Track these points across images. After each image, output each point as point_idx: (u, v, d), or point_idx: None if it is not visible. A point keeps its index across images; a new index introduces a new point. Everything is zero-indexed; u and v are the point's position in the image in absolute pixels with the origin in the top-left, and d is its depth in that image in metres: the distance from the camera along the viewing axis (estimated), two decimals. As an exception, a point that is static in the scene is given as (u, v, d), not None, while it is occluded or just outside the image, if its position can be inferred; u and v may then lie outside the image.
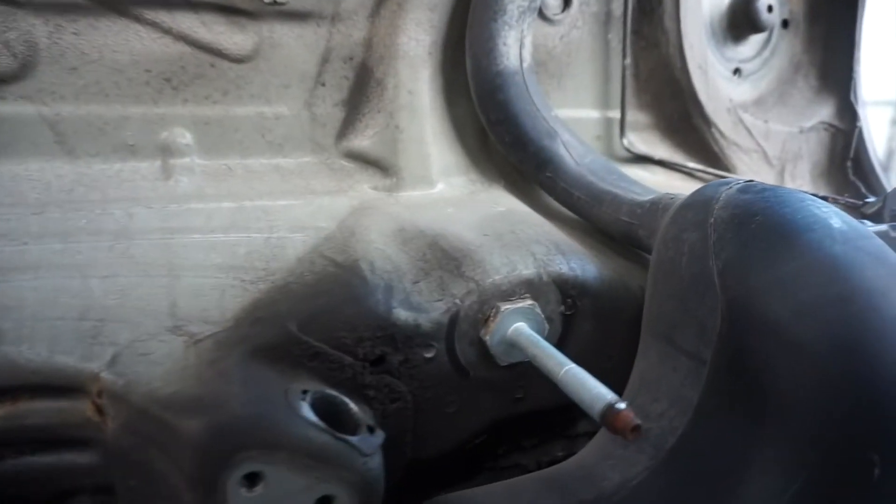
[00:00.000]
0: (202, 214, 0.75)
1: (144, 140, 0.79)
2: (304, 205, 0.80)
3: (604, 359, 0.78)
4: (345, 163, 0.88)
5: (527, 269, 0.72)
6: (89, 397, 0.59)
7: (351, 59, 0.87)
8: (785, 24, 1.19)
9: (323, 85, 0.86)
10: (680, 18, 0.99)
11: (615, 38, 1.03)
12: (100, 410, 0.59)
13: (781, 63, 1.20)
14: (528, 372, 0.71)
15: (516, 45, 0.88)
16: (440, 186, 0.89)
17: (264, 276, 0.69)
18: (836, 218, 0.62)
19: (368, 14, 0.86)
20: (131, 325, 0.62)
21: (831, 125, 1.17)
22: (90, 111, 0.76)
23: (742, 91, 1.16)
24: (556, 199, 0.92)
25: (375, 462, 0.59)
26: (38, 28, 0.73)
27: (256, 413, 0.54)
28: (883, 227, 0.82)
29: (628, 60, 1.01)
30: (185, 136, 0.80)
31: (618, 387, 0.72)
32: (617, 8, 1.01)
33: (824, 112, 1.17)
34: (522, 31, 0.88)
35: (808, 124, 1.16)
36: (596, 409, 0.54)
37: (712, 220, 0.65)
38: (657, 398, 0.68)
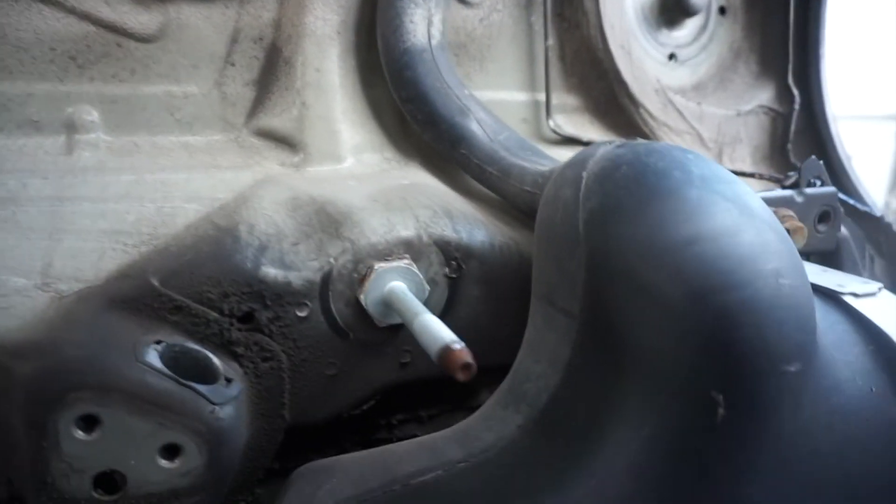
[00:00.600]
0: (98, 185, 0.76)
1: (49, 117, 0.80)
2: (205, 178, 0.81)
3: (499, 326, 0.77)
4: (255, 140, 0.89)
5: (406, 230, 0.71)
6: (-53, 349, 0.59)
7: (261, 39, 0.88)
8: (722, 10, 1.18)
9: (233, 65, 0.88)
10: (599, -1, 0.99)
11: (538, 20, 1.03)
12: (-44, 362, 0.59)
13: (721, 49, 1.19)
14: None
15: (423, 22, 0.89)
16: (349, 162, 0.89)
17: (148, 241, 0.70)
18: (700, 164, 0.61)
19: (277, -5, 0.88)
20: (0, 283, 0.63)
21: (771, 109, 1.16)
22: (-7, 87, 0.78)
23: (679, 76, 1.15)
24: (472, 175, 0.92)
25: (226, 412, 0.58)
26: (-64, 7, 0.75)
27: (91, 355, 0.54)
28: (788, 192, 0.81)
29: (550, 42, 1.01)
30: (91, 114, 0.82)
31: (515, 354, 0.71)
32: (538, -10, 1.02)
33: (763, 96, 1.16)
34: (430, 8, 0.89)
35: (747, 108, 1.14)
36: (434, 349, 0.53)
37: (585, 174, 0.64)
38: (538, 359, 0.67)
